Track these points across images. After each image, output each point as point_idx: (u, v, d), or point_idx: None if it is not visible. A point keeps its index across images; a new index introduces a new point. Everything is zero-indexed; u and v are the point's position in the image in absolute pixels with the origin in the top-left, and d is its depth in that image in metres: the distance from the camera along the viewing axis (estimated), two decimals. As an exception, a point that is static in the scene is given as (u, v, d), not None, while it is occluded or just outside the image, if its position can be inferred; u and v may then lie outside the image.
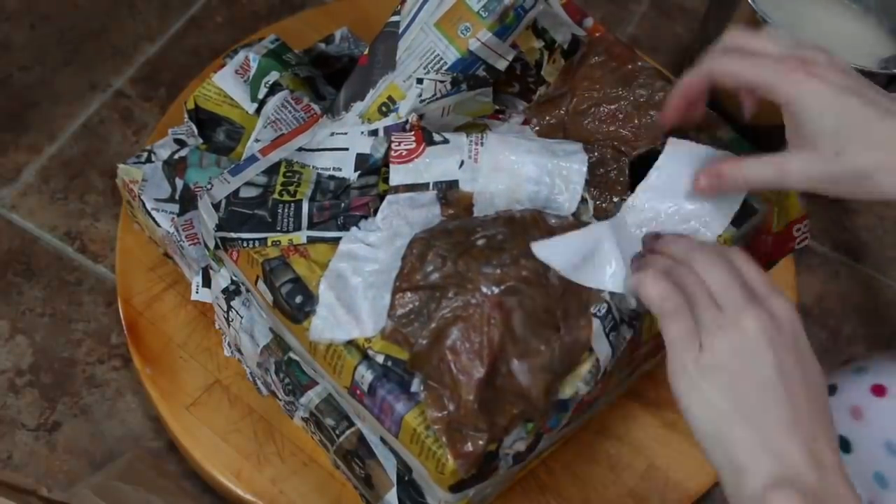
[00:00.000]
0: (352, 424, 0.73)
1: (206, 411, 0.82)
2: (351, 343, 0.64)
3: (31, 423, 0.88)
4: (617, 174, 0.71)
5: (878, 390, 0.71)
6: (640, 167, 0.70)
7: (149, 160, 0.85)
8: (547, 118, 0.76)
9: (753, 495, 0.51)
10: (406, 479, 0.70)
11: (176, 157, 0.85)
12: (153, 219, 0.83)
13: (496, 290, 0.62)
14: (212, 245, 0.72)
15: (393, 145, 0.68)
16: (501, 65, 0.72)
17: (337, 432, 0.73)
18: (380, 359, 0.64)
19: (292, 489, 0.79)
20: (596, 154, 0.71)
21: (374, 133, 0.70)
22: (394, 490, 0.71)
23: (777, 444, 0.51)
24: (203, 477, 0.82)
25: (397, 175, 0.68)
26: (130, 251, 0.90)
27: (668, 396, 0.86)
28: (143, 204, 0.83)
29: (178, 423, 0.82)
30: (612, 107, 0.74)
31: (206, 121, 0.86)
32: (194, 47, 1.11)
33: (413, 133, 0.69)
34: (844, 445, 0.70)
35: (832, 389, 0.73)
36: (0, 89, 1.07)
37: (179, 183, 0.84)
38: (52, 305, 0.94)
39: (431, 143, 0.68)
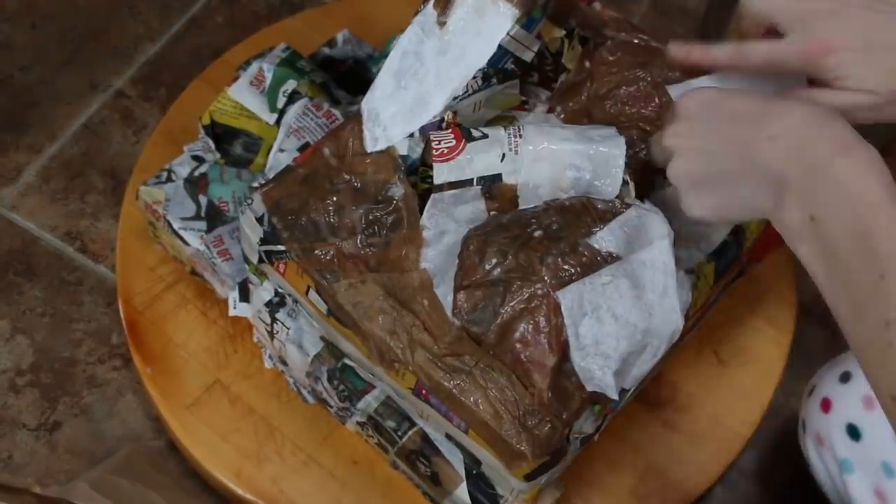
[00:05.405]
0: (413, 424, 0.73)
1: (206, 411, 0.82)
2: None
3: (31, 423, 0.88)
4: (646, 154, 0.71)
5: None
6: None
7: (169, 179, 0.84)
8: (570, 104, 0.76)
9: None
10: (475, 472, 0.70)
11: (196, 173, 0.84)
12: (181, 238, 0.82)
13: (560, 279, 0.62)
14: (255, 259, 0.72)
15: (433, 144, 0.68)
16: (528, 56, 0.72)
17: (399, 433, 0.74)
18: None
19: (292, 488, 0.79)
20: (623, 136, 0.71)
21: (409, 134, 0.70)
22: (464, 485, 0.71)
23: None
24: (203, 476, 0.82)
25: (441, 173, 0.67)
26: (131, 251, 0.90)
27: (667, 396, 0.86)
28: (170, 224, 0.82)
29: (178, 423, 0.82)
30: (632, 88, 0.74)
31: (221, 135, 0.86)
32: (194, 47, 1.11)
33: (451, 130, 0.69)
34: (854, 433, 0.70)
35: (846, 376, 0.73)
36: (0, 89, 1.07)
37: (203, 199, 0.83)
38: (53, 305, 0.94)
39: (471, 138, 0.68)
